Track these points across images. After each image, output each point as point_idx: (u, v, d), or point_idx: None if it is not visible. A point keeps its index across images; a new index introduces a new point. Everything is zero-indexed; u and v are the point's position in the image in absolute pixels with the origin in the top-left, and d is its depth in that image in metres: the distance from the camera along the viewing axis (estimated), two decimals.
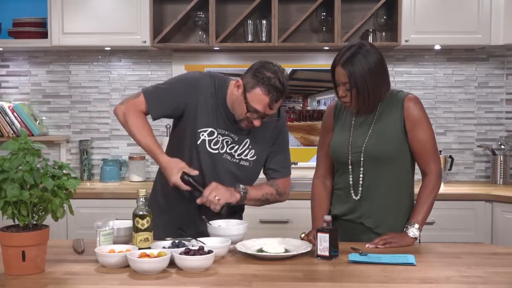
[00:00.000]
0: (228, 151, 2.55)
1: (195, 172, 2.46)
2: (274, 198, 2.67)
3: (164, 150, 2.60)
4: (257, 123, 2.45)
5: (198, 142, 2.53)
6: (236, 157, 2.57)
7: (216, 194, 2.44)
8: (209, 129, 2.53)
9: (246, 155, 2.58)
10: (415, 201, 2.49)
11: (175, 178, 2.43)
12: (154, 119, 2.57)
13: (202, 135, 2.53)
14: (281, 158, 2.67)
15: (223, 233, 2.38)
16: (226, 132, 2.55)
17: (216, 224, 2.45)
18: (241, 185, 2.54)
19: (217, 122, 2.53)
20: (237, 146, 2.56)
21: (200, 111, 2.53)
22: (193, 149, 2.54)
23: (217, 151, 2.54)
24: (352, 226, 2.49)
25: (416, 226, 2.40)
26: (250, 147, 2.57)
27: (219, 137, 2.54)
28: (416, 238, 2.41)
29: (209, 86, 2.54)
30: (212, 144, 2.54)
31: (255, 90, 2.39)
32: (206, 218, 2.45)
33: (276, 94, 2.38)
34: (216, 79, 2.57)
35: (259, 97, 2.39)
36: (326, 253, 2.18)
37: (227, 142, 2.55)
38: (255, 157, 2.59)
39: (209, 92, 2.53)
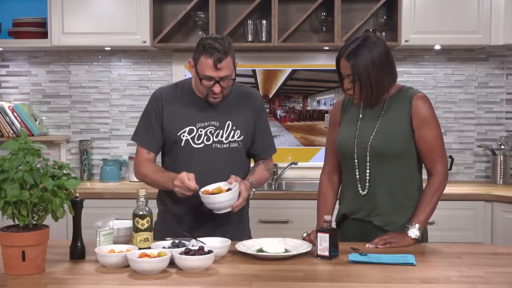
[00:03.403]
0: (215, 139, 2.57)
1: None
2: (267, 180, 2.80)
3: None
4: (216, 89, 2.47)
5: (182, 145, 2.56)
6: (225, 141, 2.58)
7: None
8: (187, 128, 2.56)
9: (233, 137, 2.59)
10: None
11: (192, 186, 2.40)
12: (157, 153, 2.64)
13: (183, 136, 2.56)
14: (268, 137, 2.75)
15: (213, 200, 2.37)
16: (207, 123, 2.57)
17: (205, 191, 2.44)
18: (253, 189, 2.55)
19: (192, 118, 2.57)
20: (222, 131, 2.58)
21: (171, 117, 2.58)
22: (182, 155, 2.57)
23: (202, 145, 2.56)
24: (362, 226, 2.48)
25: (417, 226, 2.39)
26: (234, 128, 2.59)
27: (201, 131, 2.56)
28: (416, 239, 2.40)
29: (169, 92, 2.63)
30: (195, 140, 2.56)
31: (200, 59, 2.46)
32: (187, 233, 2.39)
33: (218, 53, 2.43)
34: (177, 83, 2.67)
35: (204, 63, 2.45)
36: (326, 253, 2.18)
37: (211, 132, 2.57)
38: (242, 136, 2.61)
39: (171, 97, 2.60)
